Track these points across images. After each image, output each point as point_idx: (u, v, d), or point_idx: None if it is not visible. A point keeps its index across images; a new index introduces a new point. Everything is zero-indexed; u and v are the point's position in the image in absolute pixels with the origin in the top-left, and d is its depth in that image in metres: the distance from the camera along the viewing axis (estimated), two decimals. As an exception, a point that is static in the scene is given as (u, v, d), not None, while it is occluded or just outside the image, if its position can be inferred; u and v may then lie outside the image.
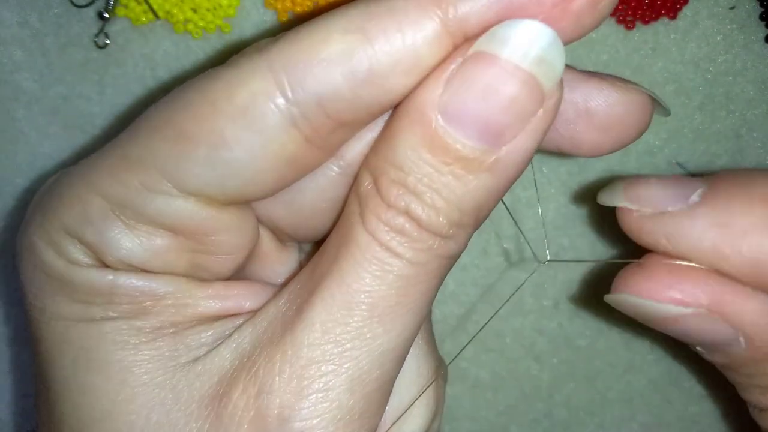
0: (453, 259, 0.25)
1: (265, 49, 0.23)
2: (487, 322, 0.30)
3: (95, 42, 0.36)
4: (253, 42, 0.36)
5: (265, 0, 0.36)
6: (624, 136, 0.27)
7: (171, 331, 0.25)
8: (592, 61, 0.37)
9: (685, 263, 0.26)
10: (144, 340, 0.25)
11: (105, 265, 0.25)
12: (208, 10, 0.36)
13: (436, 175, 0.23)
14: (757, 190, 0.25)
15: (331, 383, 0.23)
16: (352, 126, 0.24)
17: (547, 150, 0.28)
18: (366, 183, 0.24)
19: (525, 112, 0.23)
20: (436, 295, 0.25)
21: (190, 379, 0.25)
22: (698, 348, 0.28)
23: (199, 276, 0.26)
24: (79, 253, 0.25)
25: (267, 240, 0.29)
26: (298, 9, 0.35)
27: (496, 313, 0.29)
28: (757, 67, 0.37)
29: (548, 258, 0.28)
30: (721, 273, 0.25)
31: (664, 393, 0.41)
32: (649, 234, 0.26)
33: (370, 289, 0.23)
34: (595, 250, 0.40)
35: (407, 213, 0.23)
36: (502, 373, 0.41)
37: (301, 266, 0.28)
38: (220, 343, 0.25)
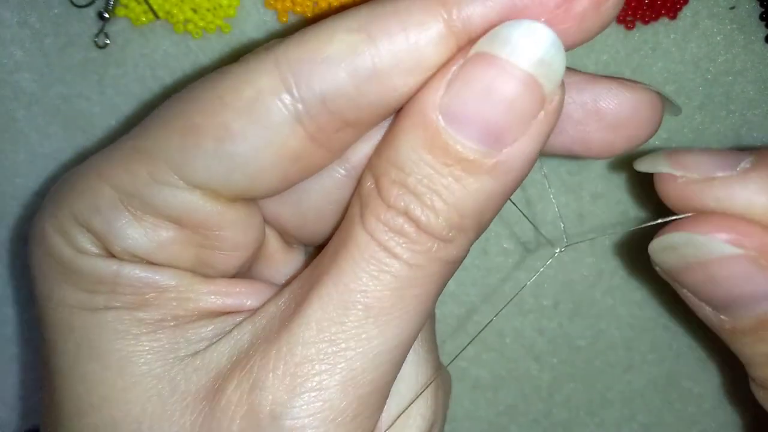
0: (453, 264, 0.24)
1: (272, 48, 0.24)
2: (502, 309, 0.30)
3: (95, 42, 0.36)
4: (252, 42, 0.36)
5: (265, 0, 0.36)
6: (635, 134, 0.27)
7: (172, 324, 0.25)
8: (593, 61, 0.37)
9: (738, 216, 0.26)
10: (145, 331, 0.25)
11: (111, 255, 0.25)
12: (208, 10, 0.36)
13: (436, 176, 0.23)
14: None
15: (324, 382, 0.23)
16: (357, 126, 0.24)
17: (556, 154, 0.28)
18: (368, 183, 0.24)
19: (525, 114, 0.23)
20: (435, 301, 0.25)
21: (188, 373, 0.25)
22: (713, 311, 0.28)
23: (203, 272, 0.27)
24: (86, 242, 0.25)
25: (273, 241, 0.30)
26: (299, 9, 0.35)
27: (512, 298, 0.29)
28: (757, 67, 0.37)
29: (566, 242, 0.28)
30: None
31: (664, 393, 0.41)
32: (696, 198, 0.26)
33: (366, 288, 0.23)
34: (594, 249, 0.40)
35: (406, 214, 0.23)
36: (502, 373, 0.41)
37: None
38: (219, 339, 0.25)
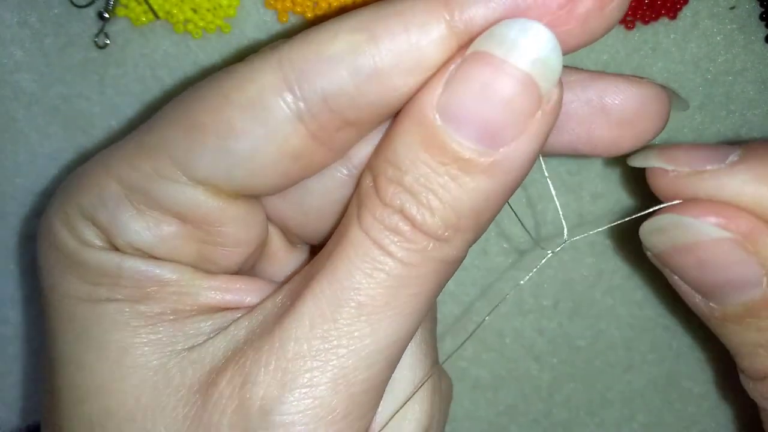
0: (450, 265, 0.24)
1: (276, 47, 0.24)
2: (496, 306, 0.30)
3: (95, 42, 0.36)
4: (252, 42, 0.36)
5: (265, 0, 0.36)
6: (642, 130, 0.27)
7: (171, 317, 0.26)
8: (593, 61, 0.37)
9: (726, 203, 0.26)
10: (144, 323, 0.25)
11: (115, 248, 0.26)
12: (208, 10, 0.36)
13: (432, 175, 0.23)
14: None
15: (315, 380, 0.23)
16: (359, 126, 0.24)
17: (562, 153, 0.28)
18: (367, 182, 0.24)
19: (522, 113, 0.22)
20: (431, 303, 0.25)
21: (184, 366, 0.25)
22: (702, 298, 0.28)
23: (205, 267, 0.27)
24: (91, 235, 0.26)
25: (277, 240, 0.30)
26: (299, 9, 0.35)
27: (506, 296, 0.29)
28: (757, 67, 0.37)
29: (565, 240, 0.29)
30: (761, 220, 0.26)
31: (664, 393, 0.41)
32: (687, 190, 0.27)
33: (359, 286, 0.23)
34: (594, 249, 0.40)
35: (402, 212, 0.23)
36: (502, 373, 0.41)
37: None
38: (217, 334, 0.25)
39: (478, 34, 0.23)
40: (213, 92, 0.24)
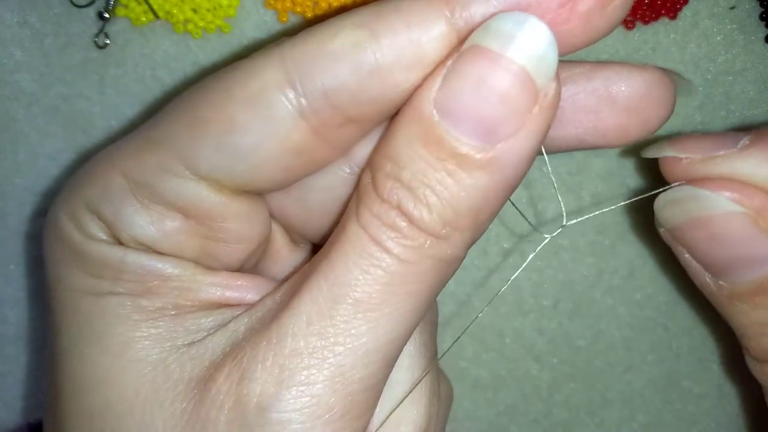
0: (447, 264, 0.24)
1: (280, 44, 0.24)
2: (504, 288, 0.30)
3: (95, 42, 0.36)
4: (252, 42, 0.36)
5: (265, 0, 0.36)
6: (649, 116, 0.27)
7: (173, 312, 0.26)
8: (591, 59, 0.37)
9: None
10: (145, 318, 0.25)
11: (119, 242, 0.26)
12: (208, 10, 0.36)
13: (430, 171, 0.23)
14: None
15: (313, 377, 0.23)
16: (360, 123, 0.24)
17: (570, 148, 0.28)
18: (366, 178, 0.24)
19: (519, 108, 0.22)
20: (429, 302, 0.25)
21: (183, 361, 0.25)
22: (712, 277, 0.28)
23: (207, 263, 0.27)
24: (96, 228, 0.26)
25: (280, 238, 0.30)
26: (299, 9, 0.35)
27: (508, 283, 0.29)
28: (757, 67, 0.37)
29: (565, 221, 0.29)
30: None
31: (664, 393, 0.41)
32: (701, 175, 0.27)
33: (356, 282, 0.23)
34: (594, 249, 0.40)
35: (399, 208, 0.23)
36: (502, 373, 0.41)
37: None
38: (216, 330, 0.26)
39: None
40: (216, 88, 0.25)
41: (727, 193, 0.27)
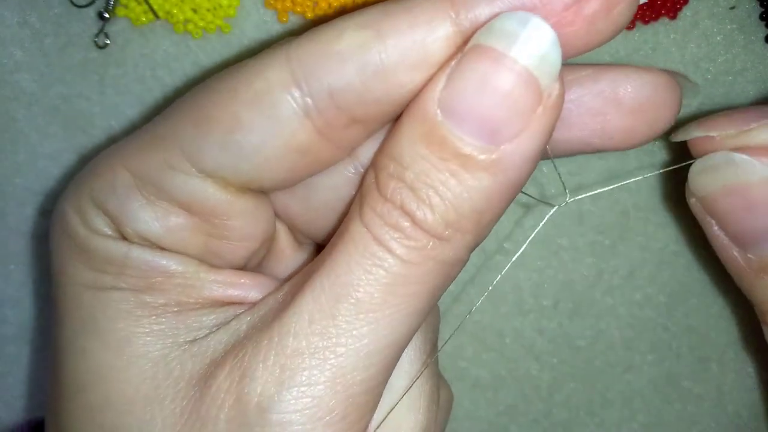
0: (449, 267, 0.24)
1: (285, 44, 0.24)
2: (508, 266, 0.30)
3: (95, 42, 0.36)
4: (252, 42, 0.36)
5: (265, 0, 0.36)
6: (655, 118, 0.27)
7: (175, 309, 0.26)
8: (593, 61, 0.37)
9: None
10: (147, 314, 0.25)
11: (123, 237, 0.26)
12: (208, 10, 0.36)
13: (433, 171, 0.23)
14: None
15: (314, 378, 0.23)
16: (365, 123, 0.24)
17: (576, 151, 0.28)
18: (370, 178, 0.24)
19: (522, 108, 0.22)
20: (431, 304, 0.25)
21: (184, 359, 0.25)
22: (740, 249, 0.28)
23: (211, 260, 0.27)
24: (101, 223, 0.26)
25: (284, 237, 0.30)
26: (299, 9, 0.35)
27: (518, 254, 0.29)
28: (757, 67, 0.37)
29: (568, 198, 0.29)
30: None
31: (664, 393, 0.41)
32: (739, 147, 0.27)
33: (358, 282, 0.23)
34: (594, 249, 0.40)
35: (402, 208, 0.23)
36: (502, 373, 0.41)
37: None
38: (218, 328, 0.26)
39: None
40: (221, 87, 0.25)
41: (766, 159, 0.26)
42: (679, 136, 0.29)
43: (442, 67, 0.23)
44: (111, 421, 0.25)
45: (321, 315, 0.23)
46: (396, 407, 0.27)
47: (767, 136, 0.26)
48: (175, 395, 0.24)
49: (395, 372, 0.25)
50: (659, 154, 0.38)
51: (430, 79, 0.23)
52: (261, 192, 0.27)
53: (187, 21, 0.36)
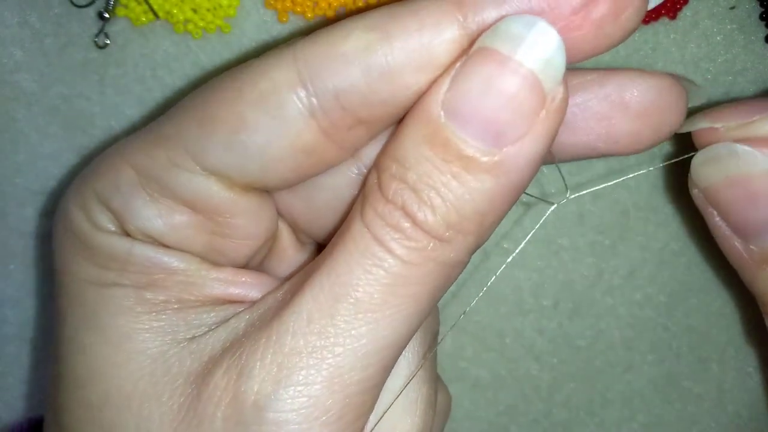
0: (450, 268, 0.24)
1: (292, 44, 0.24)
2: (510, 259, 0.30)
3: (95, 42, 0.36)
4: (252, 42, 0.36)
5: (265, 0, 0.36)
6: (662, 121, 0.27)
7: (176, 306, 0.26)
8: (592, 62, 0.37)
9: None
10: (148, 310, 0.26)
11: (127, 233, 0.26)
12: (208, 10, 0.36)
13: (435, 172, 0.23)
14: None
15: (311, 377, 0.23)
16: (370, 124, 0.24)
17: (581, 156, 0.28)
18: (372, 179, 0.24)
19: (525, 111, 0.22)
20: (431, 306, 0.25)
21: (183, 356, 0.25)
22: (742, 241, 0.28)
23: (213, 258, 0.27)
24: (104, 220, 0.26)
25: (286, 236, 0.30)
26: (299, 9, 0.35)
27: (520, 247, 0.29)
28: (757, 67, 0.37)
29: (568, 194, 0.29)
30: None
31: (664, 393, 0.41)
32: (742, 139, 0.27)
33: (358, 282, 0.23)
34: (594, 249, 0.40)
35: (403, 209, 0.23)
36: (502, 373, 0.41)
37: None
38: (218, 326, 0.26)
39: None
40: (227, 87, 0.25)
41: None
42: (685, 127, 0.29)
43: (447, 69, 0.23)
44: (109, 417, 0.25)
45: (320, 314, 0.23)
46: (392, 409, 0.27)
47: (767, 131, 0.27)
48: (173, 392, 0.24)
49: (393, 374, 0.25)
50: (659, 151, 0.38)
51: (435, 81, 0.23)
52: (264, 191, 0.27)
53: (187, 21, 0.36)
